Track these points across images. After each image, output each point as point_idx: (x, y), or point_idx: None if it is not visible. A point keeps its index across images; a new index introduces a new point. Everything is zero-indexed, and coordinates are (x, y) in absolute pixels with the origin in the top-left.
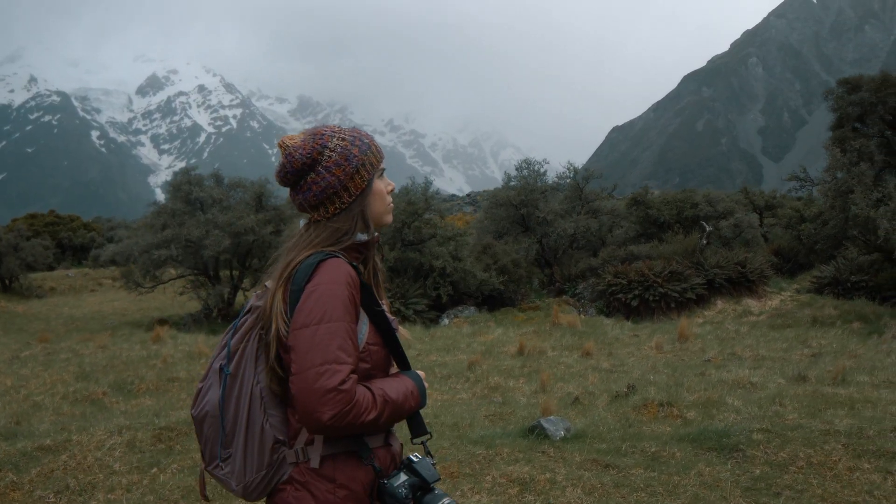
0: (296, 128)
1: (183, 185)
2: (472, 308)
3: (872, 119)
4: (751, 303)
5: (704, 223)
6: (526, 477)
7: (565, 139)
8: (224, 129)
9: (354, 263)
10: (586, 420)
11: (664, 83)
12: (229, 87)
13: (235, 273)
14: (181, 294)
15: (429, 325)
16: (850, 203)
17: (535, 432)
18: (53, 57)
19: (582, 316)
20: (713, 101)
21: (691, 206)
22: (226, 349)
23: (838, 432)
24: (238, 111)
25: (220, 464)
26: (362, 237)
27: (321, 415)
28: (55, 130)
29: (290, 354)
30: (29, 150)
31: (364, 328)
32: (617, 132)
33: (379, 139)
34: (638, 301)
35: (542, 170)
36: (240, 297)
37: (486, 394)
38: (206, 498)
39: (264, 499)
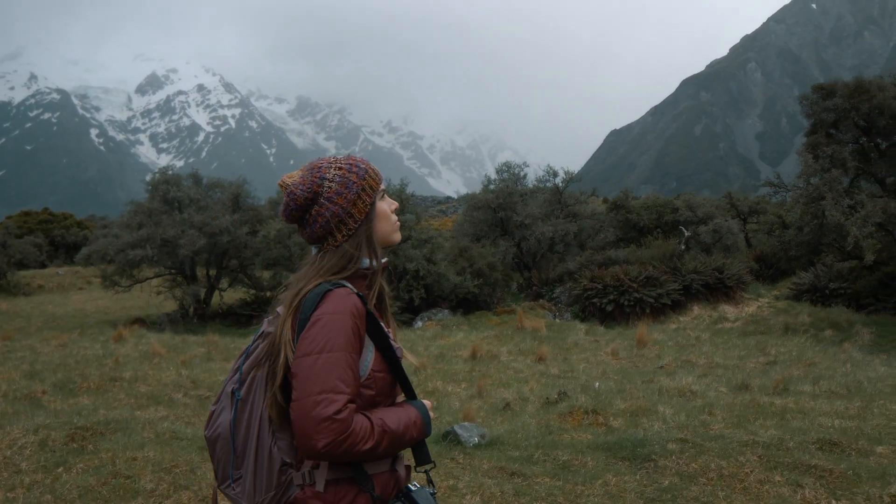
0: (294, 128)
1: (160, 185)
2: (447, 311)
3: (846, 125)
4: (727, 309)
5: (683, 228)
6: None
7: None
8: (223, 129)
9: (360, 293)
10: (508, 426)
11: (663, 87)
12: (228, 87)
13: (212, 273)
14: (158, 294)
15: (401, 328)
16: (822, 210)
17: (448, 438)
18: (53, 55)
19: (557, 320)
20: (711, 106)
21: (671, 210)
22: (238, 373)
23: (758, 443)
24: (237, 111)
25: (232, 484)
26: (366, 263)
27: (316, 442)
28: (54, 128)
29: (293, 381)
30: (28, 148)
31: (370, 356)
32: (615, 136)
33: (377, 140)
34: (613, 306)
35: (521, 173)
36: (216, 297)
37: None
38: None
39: None
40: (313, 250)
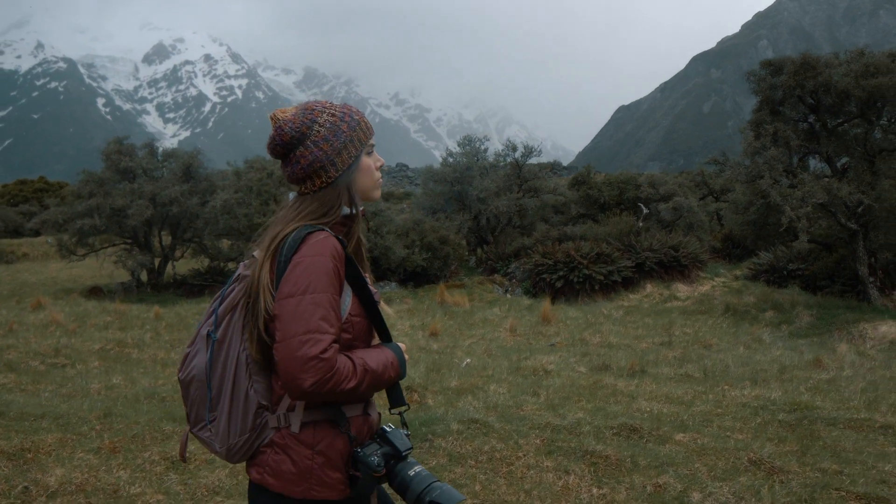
0: (301, 99)
1: (113, 155)
2: (394, 284)
3: (792, 103)
4: (681, 287)
5: (642, 205)
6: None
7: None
8: (229, 99)
9: (340, 237)
10: None
11: (673, 64)
12: (235, 58)
13: (166, 243)
14: (116, 263)
15: None
16: (760, 189)
17: None
18: (60, 23)
19: (509, 295)
20: (721, 83)
21: (634, 187)
22: (213, 316)
23: (550, 426)
24: (244, 81)
25: (208, 426)
26: (346, 211)
27: (302, 381)
28: (61, 97)
29: (275, 322)
30: (35, 117)
31: (347, 300)
32: (623, 112)
33: (384, 113)
34: (562, 282)
35: (482, 147)
36: (170, 267)
37: None
38: (184, 459)
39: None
40: (290, 195)
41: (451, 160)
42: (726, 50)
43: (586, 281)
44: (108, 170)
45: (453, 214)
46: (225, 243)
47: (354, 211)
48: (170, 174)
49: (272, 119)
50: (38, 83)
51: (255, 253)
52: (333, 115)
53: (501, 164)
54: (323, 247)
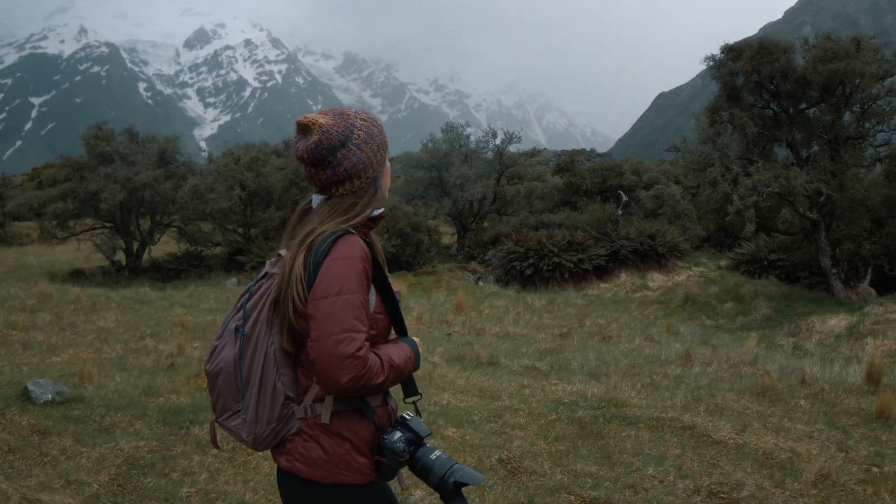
0: (340, 84)
1: (91, 140)
2: None
3: (749, 88)
4: (656, 277)
5: (622, 193)
6: None
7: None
8: (269, 84)
9: (366, 239)
10: (113, 386)
11: (714, 50)
12: (276, 43)
13: (145, 228)
14: (94, 247)
15: None
16: (708, 177)
17: (24, 394)
18: (102, 9)
19: (481, 283)
20: None
21: (617, 175)
22: (241, 311)
23: None
24: (283, 66)
25: (238, 414)
26: (377, 211)
27: (339, 378)
28: (103, 81)
29: (310, 322)
30: (78, 101)
31: (372, 299)
32: (663, 98)
33: (423, 98)
34: (532, 270)
35: (464, 133)
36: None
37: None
38: (216, 446)
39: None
40: (314, 198)
41: (430, 146)
42: (768, 37)
43: (556, 269)
44: (87, 155)
45: (432, 201)
46: (205, 227)
47: (379, 211)
48: (144, 159)
49: (312, 124)
50: (81, 68)
51: (281, 252)
52: (364, 119)
53: (483, 150)
54: (353, 249)
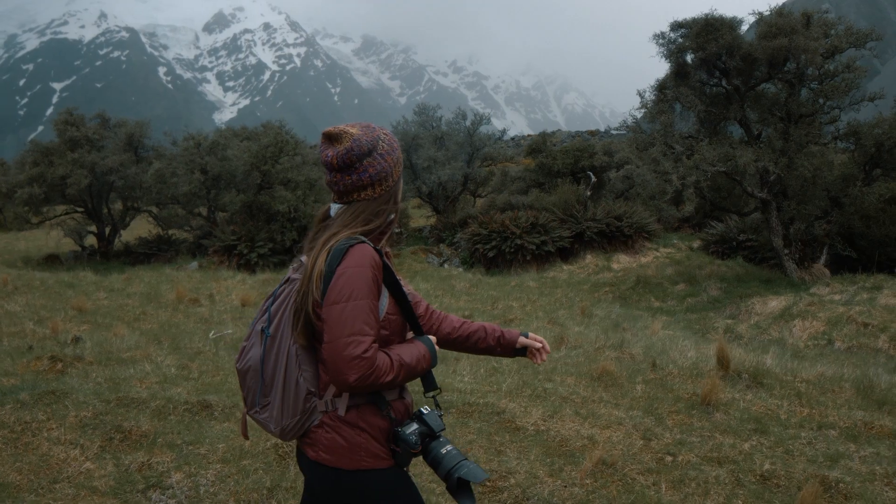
0: (359, 67)
1: (60, 125)
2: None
3: (698, 65)
4: (622, 258)
5: (591, 173)
6: None
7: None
8: (288, 68)
9: (377, 247)
10: None
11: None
12: (294, 26)
13: (117, 213)
14: (63, 232)
15: (273, 269)
16: (649, 157)
17: None
18: None
19: (447, 265)
20: None
21: (588, 155)
22: (266, 314)
23: (116, 400)
24: (302, 49)
25: (260, 409)
26: (392, 217)
27: (347, 377)
28: (123, 66)
29: (323, 325)
30: (98, 86)
31: (384, 301)
32: None
33: (441, 80)
34: (495, 252)
35: (436, 115)
36: (123, 237)
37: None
38: (246, 437)
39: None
40: (333, 206)
41: (400, 127)
42: (790, 11)
43: (518, 251)
44: (58, 139)
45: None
46: (178, 211)
47: (393, 217)
48: (112, 144)
49: (343, 133)
50: (101, 52)
51: (302, 258)
52: (386, 133)
53: (455, 132)
54: (363, 258)
